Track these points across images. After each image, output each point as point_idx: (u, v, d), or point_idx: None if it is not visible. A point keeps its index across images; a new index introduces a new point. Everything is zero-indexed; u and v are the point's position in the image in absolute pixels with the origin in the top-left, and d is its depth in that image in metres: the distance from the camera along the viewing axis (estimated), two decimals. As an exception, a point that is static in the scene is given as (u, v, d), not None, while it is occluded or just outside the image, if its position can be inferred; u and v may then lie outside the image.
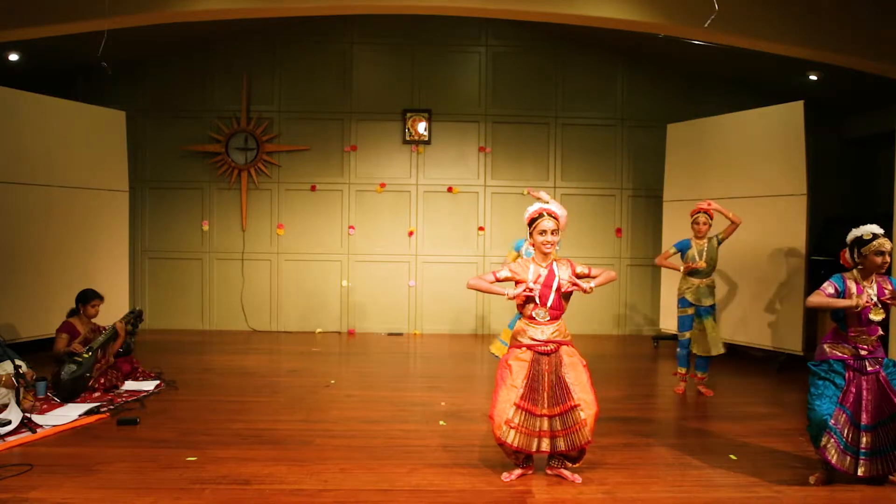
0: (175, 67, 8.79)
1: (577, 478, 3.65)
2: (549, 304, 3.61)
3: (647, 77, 8.91)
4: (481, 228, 8.91)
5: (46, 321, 6.34)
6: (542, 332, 3.62)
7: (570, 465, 3.70)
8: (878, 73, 6.20)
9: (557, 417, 3.57)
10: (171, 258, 8.88)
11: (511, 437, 3.55)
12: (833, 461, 3.53)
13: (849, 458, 3.53)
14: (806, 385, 3.77)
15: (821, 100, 7.79)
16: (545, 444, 3.58)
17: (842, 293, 3.63)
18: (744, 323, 7.13)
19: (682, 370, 5.82)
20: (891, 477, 3.62)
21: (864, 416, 3.53)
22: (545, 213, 3.62)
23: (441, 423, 4.76)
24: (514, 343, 3.69)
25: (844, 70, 6.40)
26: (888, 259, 3.56)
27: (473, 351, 7.93)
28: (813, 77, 7.66)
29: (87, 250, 7.32)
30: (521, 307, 3.70)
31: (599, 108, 8.93)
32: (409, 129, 8.85)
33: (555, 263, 3.66)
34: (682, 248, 5.79)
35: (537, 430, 3.56)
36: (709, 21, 5.56)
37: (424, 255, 8.91)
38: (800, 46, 6.01)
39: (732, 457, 4.06)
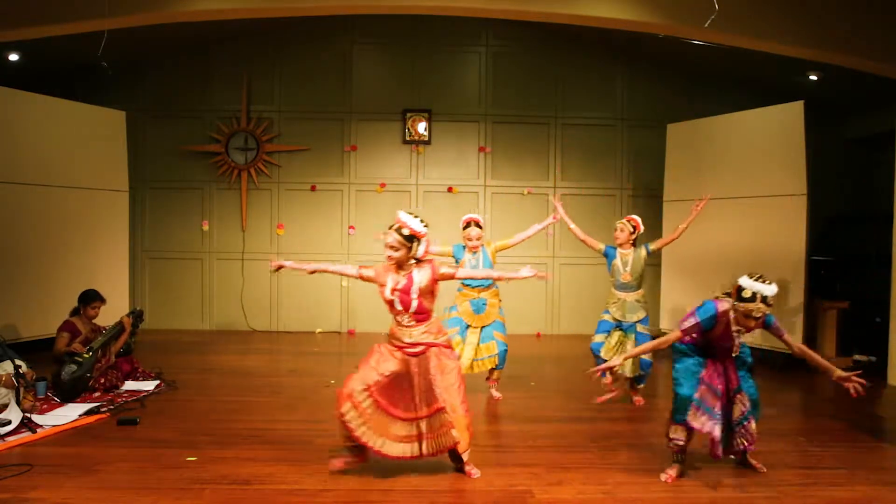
0: (175, 67, 8.78)
1: (475, 472, 3.68)
2: (411, 310, 3.64)
3: (647, 77, 8.91)
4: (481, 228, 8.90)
5: (47, 321, 6.33)
6: (410, 335, 3.65)
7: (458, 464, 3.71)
8: (878, 73, 6.20)
9: (425, 420, 3.60)
10: (171, 258, 8.88)
11: (356, 424, 3.54)
12: (699, 427, 3.58)
13: (716, 424, 3.59)
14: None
15: (821, 100, 7.79)
16: (414, 449, 3.60)
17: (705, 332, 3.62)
18: (744, 323, 7.13)
19: (609, 379, 5.19)
20: (751, 460, 3.78)
21: (720, 387, 3.66)
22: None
23: (441, 423, 4.75)
24: (388, 342, 3.73)
25: (844, 70, 6.40)
26: (752, 325, 3.49)
27: (473, 351, 7.91)
28: (813, 77, 7.65)
29: (87, 250, 7.32)
30: (390, 310, 3.73)
31: (599, 108, 8.93)
32: (409, 129, 8.85)
33: (414, 270, 3.65)
34: (609, 256, 5.35)
35: (403, 434, 3.59)
36: (709, 21, 5.56)
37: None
38: (800, 46, 6.01)
39: (733, 457, 4.06)
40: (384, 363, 3.64)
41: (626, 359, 3.79)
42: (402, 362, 3.64)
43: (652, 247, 5.33)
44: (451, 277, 3.71)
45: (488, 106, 8.90)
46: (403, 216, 3.63)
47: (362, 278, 3.76)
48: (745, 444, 3.74)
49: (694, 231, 7.63)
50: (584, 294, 8.64)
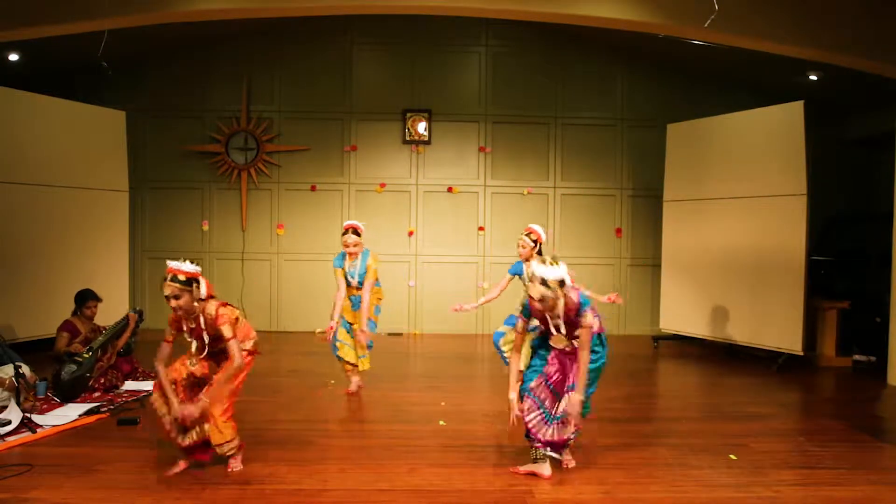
0: (175, 67, 8.78)
1: (237, 466, 3.74)
2: (205, 350, 3.74)
3: (647, 77, 8.91)
4: (481, 228, 8.91)
5: (46, 321, 6.34)
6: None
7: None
8: (878, 73, 6.19)
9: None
10: (171, 258, 8.80)
11: (163, 413, 3.64)
12: (522, 412, 3.68)
13: (539, 415, 3.67)
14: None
15: (821, 100, 7.79)
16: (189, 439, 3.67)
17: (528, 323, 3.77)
18: (744, 323, 7.13)
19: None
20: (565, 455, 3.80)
21: (554, 378, 3.73)
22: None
23: (441, 423, 4.76)
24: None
25: (844, 70, 6.40)
26: (540, 307, 3.50)
27: (473, 351, 7.93)
28: (813, 77, 7.66)
29: (87, 250, 7.32)
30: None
31: (599, 108, 8.93)
32: (409, 129, 8.85)
33: (201, 317, 3.67)
34: (517, 272, 5.29)
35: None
36: (709, 21, 5.57)
37: (424, 255, 8.91)
38: (800, 46, 6.01)
39: (732, 457, 4.06)
40: (190, 363, 3.74)
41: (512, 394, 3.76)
42: (204, 366, 3.77)
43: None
44: (225, 340, 3.64)
45: (488, 106, 8.90)
46: (172, 263, 3.63)
47: (173, 338, 3.75)
48: (570, 435, 3.72)
49: (694, 231, 7.68)
50: (584, 294, 8.64)
